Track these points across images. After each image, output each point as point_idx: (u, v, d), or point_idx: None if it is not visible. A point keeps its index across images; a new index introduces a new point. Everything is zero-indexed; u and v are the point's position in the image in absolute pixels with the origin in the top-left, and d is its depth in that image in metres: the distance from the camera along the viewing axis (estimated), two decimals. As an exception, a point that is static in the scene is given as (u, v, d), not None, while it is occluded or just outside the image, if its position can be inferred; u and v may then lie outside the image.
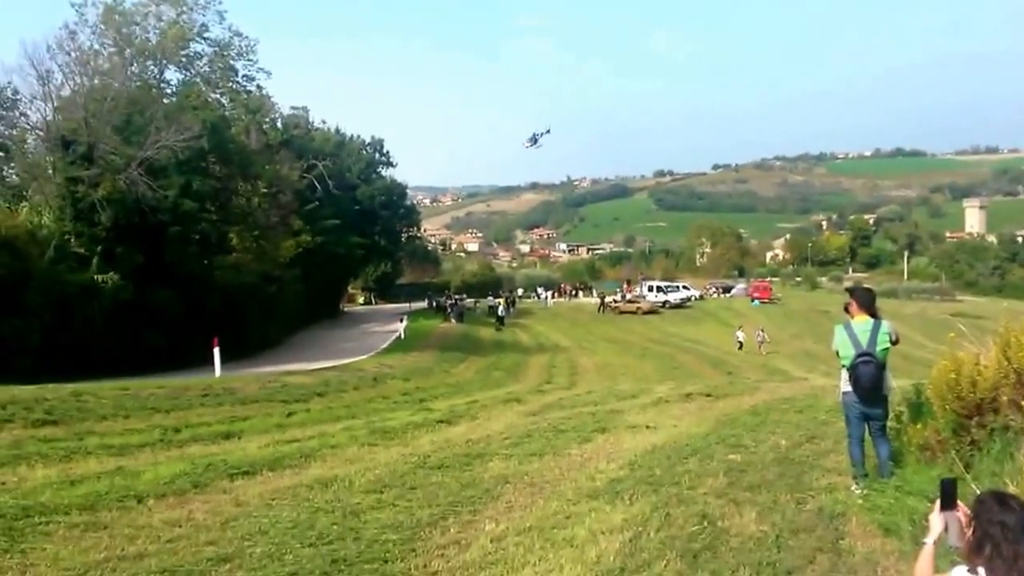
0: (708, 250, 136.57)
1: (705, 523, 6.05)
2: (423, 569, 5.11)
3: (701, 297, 76.26)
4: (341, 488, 7.40)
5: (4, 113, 31.44)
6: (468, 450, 9.58)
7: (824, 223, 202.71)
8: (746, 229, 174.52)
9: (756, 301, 70.79)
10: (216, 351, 23.08)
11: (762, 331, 45.48)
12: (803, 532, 5.82)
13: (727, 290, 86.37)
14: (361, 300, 73.08)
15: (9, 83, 30.64)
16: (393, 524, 6.12)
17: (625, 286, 77.68)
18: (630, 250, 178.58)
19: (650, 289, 71.39)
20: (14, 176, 31.73)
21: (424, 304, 62.81)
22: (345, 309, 64.36)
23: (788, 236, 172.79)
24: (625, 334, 51.89)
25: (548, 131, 41.37)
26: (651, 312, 63.13)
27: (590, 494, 7.13)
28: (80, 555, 5.21)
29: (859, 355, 6.66)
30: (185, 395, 15.77)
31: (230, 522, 6.19)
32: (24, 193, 29.97)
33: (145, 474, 7.86)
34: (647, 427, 11.47)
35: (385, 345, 36.97)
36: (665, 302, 67.31)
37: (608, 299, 67.98)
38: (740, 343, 45.31)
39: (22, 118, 31.50)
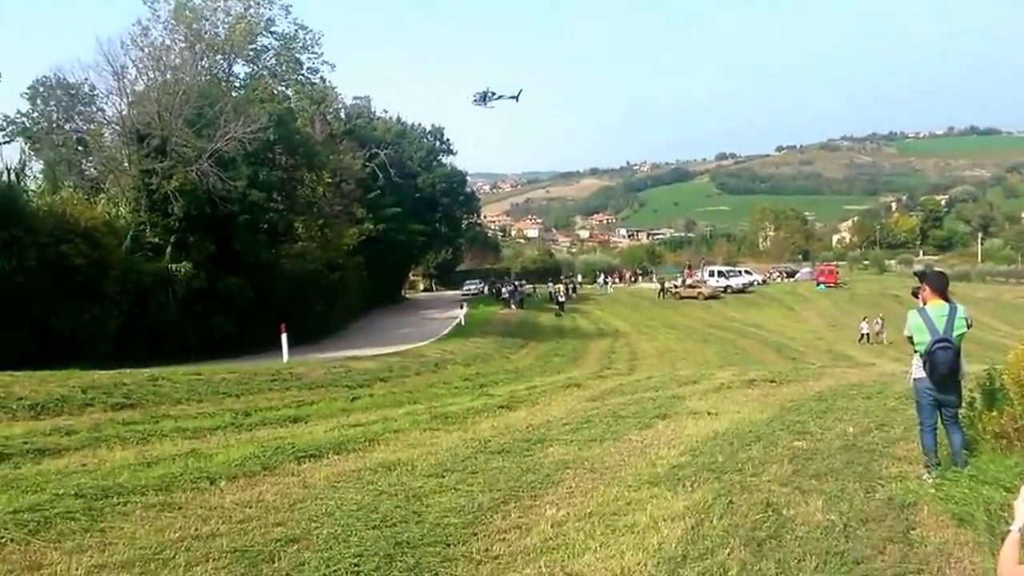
0: (771, 234, 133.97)
1: (769, 511, 5.99)
2: (484, 553, 5.17)
3: (764, 282, 74.84)
4: (404, 472, 7.52)
5: (82, 108, 32.62)
6: (528, 435, 9.63)
7: (893, 204, 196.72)
8: (811, 212, 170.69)
9: (821, 285, 69.14)
10: (283, 337, 23.59)
11: (880, 319, 42.02)
12: (872, 522, 5.72)
13: (791, 274, 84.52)
14: (422, 287, 73.73)
15: (86, 79, 31.80)
16: (455, 508, 6.20)
17: (686, 271, 76.70)
18: (691, 235, 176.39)
19: (711, 274, 70.36)
20: (92, 169, 32.82)
21: (479, 289, 63.39)
22: (406, 296, 65.05)
23: (855, 218, 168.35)
24: (686, 319, 51.32)
25: (516, 97, 40.11)
26: (712, 297, 62.21)
27: (651, 480, 7.11)
28: (155, 535, 5.41)
29: (936, 341, 6.50)
30: (254, 380, 16.17)
31: (297, 504, 6.34)
32: (102, 185, 31.02)
33: (217, 456, 8.11)
34: (709, 413, 11.37)
35: (446, 331, 37.26)
36: (727, 287, 66.25)
37: (668, 284, 67.27)
38: (864, 335, 41.69)
39: (99, 113, 32.69)
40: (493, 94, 38.79)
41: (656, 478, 7.20)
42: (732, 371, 20.88)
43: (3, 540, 5.11)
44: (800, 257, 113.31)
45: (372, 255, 46.99)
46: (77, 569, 4.64)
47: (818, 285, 69.69)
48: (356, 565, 4.77)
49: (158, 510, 6.06)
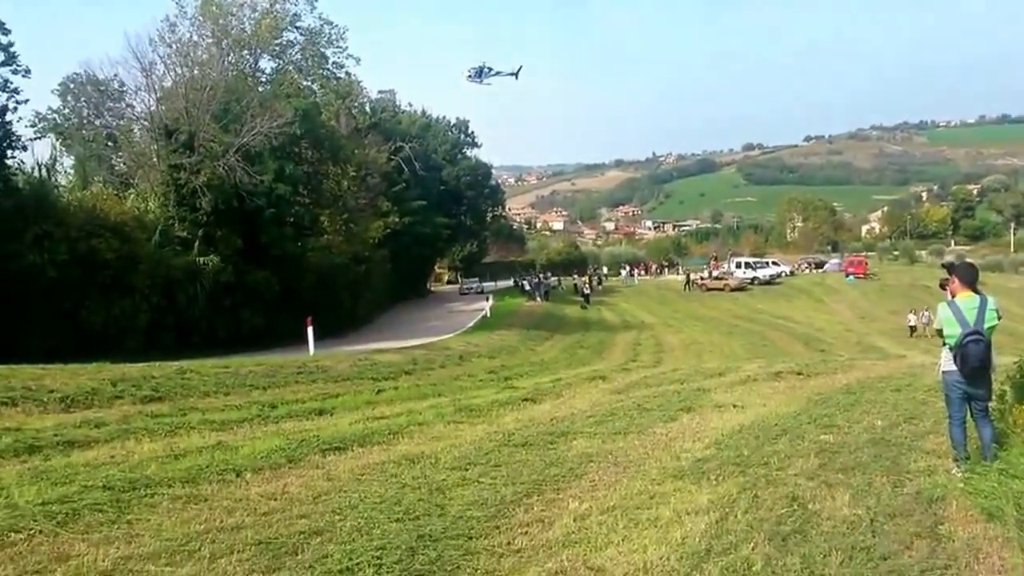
0: (799, 224, 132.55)
1: (795, 505, 5.93)
2: (507, 546, 5.16)
3: (792, 273, 74.12)
4: (427, 465, 7.53)
5: (112, 105, 33.00)
6: (552, 428, 9.61)
7: (924, 194, 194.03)
8: (840, 202, 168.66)
9: (851, 276, 68.32)
10: (310, 330, 23.76)
11: (927, 311, 39.31)
12: (900, 516, 5.64)
13: (820, 265, 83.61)
14: (446, 279, 73.96)
15: (115, 75, 32.18)
16: (478, 501, 6.19)
17: (712, 262, 76.20)
18: (717, 226, 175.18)
19: (738, 265, 69.82)
20: (122, 164, 33.24)
21: (511, 283, 63.20)
22: (432, 288, 65.25)
23: (885, 209, 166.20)
24: (712, 311, 51.03)
25: (515, 74, 38.95)
26: (739, 289, 61.79)
27: (675, 474, 7.07)
28: (182, 526, 5.45)
29: (967, 333, 6.39)
30: (281, 372, 16.28)
31: (322, 496, 6.36)
32: (131, 180, 31.43)
33: (243, 449, 8.16)
34: (734, 406, 11.29)
35: (471, 324, 37.33)
36: (754, 278, 65.73)
37: (694, 276, 66.89)
38: (912, 327, 40.10)
39: (128, 109, 33.09)
40: (490, 70, 37.82)
41: (680, 471, 7.15)
42: (759, 363, 20.73)
43: (32, 531, 5.18)
44: (829, 248, 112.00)
45: (397, 248, 47.19)
46: (104, 560, 4.69)
47: (847, 276, 68.89)
48: (378, 558, 4.78)
49: (184, 502, 6.10)
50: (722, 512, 5.82)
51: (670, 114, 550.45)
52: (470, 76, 37.77)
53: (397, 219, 47.38)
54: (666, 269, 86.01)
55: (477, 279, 64.14)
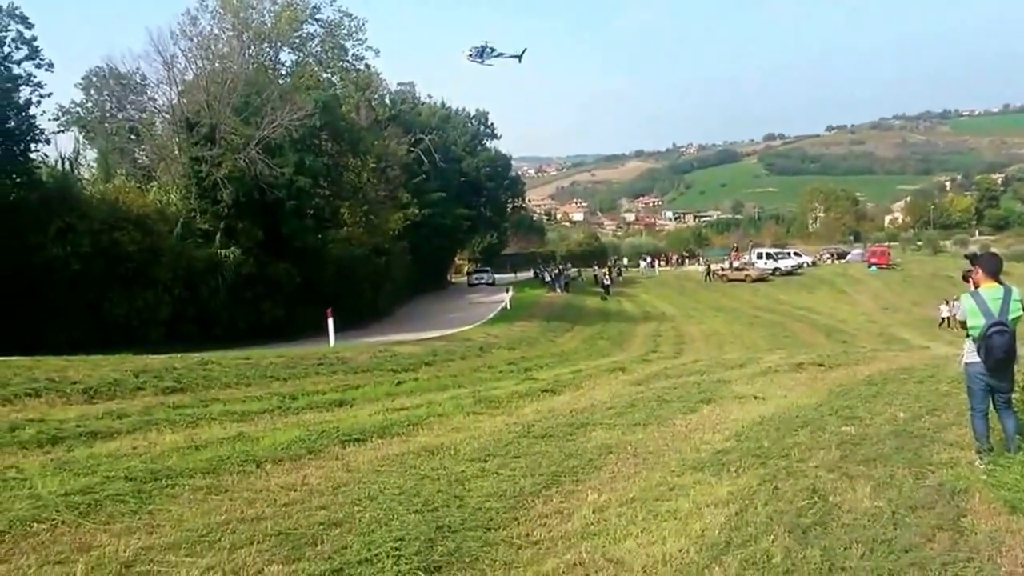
0: (821, 215, 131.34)
1: (815, 498, 5.87)
2: (525, 538, 5.15)
3: (814, 264, 73.59)
4: (447, 456, 7.53)
5: (134, 98, 33.28)
6: (572, 420, 9.59)
7: (948, 184, 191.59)
8: (863, 192, 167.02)
9: (873, 267, 67.71)
10: (330, 322, 23.84)
11: (956, 300, 39.19)
12: (921, 509, 5.58)
13: (842, 256, 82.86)
14: (467, 271, 74.11)
15: (138, 69, 32.47)
16: (496, 492, 6.18)
17: (733, 253, 75.76)
18: (739, 216, 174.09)
19: (759, 256, 69.37)
20: (144, 157, 33.50)
21: (530, 274, 63.09)
22: (452, 280, 65.35)
23: (908, 198, 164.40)
24: (733, 302, 50.75)
25: (519, 57, 37.54)
26: (760, 280, 61.43)
27: (695, 466, 7.03)
28: (202, 517, 5.48)
29: (991, 324, 6.31)
30: (301, 364, 16.35)
31: (341, 487, 6.38)
32: (153, 173, 31.68)
33: (264, 440, 8.20)
34: (755, 397, 11.23)
35: (491, 315, 37.34)
36: (775, 269, 65.28)
37: (715, 267, 66.56)
38: (944, 318, 38.36)
39: (150, 102, 33.36)
40: (492, 50, 36.51)
41: (700, 463, 7.11)
42: (780, 355, 20.59)
43: (54, 522, 5.23)
44: (851, 238, 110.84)
45: (417, 240, 47.28)
46: (125, 551, 4.72)
47: (870, 267, 68.28)
48: (397, 549, 4.78)
49: (205, 493, 6.14)
50: (742, 504, 5.77)
51: (691, 104, 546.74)
52: (471, 56, 36.51)
53: (417, 211, 47.44)
54: (687, 260, 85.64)
55: (488, 270, 62.62)
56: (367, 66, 46.38)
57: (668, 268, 78.14)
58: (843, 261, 79.37)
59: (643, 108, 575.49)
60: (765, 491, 6.10)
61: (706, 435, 8.49)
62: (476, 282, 58.17)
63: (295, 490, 6.32)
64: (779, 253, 71.75)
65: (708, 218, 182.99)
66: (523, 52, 38.05)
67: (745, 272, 63.25)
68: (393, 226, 43.49)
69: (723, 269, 65.75)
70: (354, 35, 44.02)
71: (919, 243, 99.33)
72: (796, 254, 73.18)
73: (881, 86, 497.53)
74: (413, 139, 49.92)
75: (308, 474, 6.85)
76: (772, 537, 5.03)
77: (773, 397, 11.30)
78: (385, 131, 47.20)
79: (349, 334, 26.74)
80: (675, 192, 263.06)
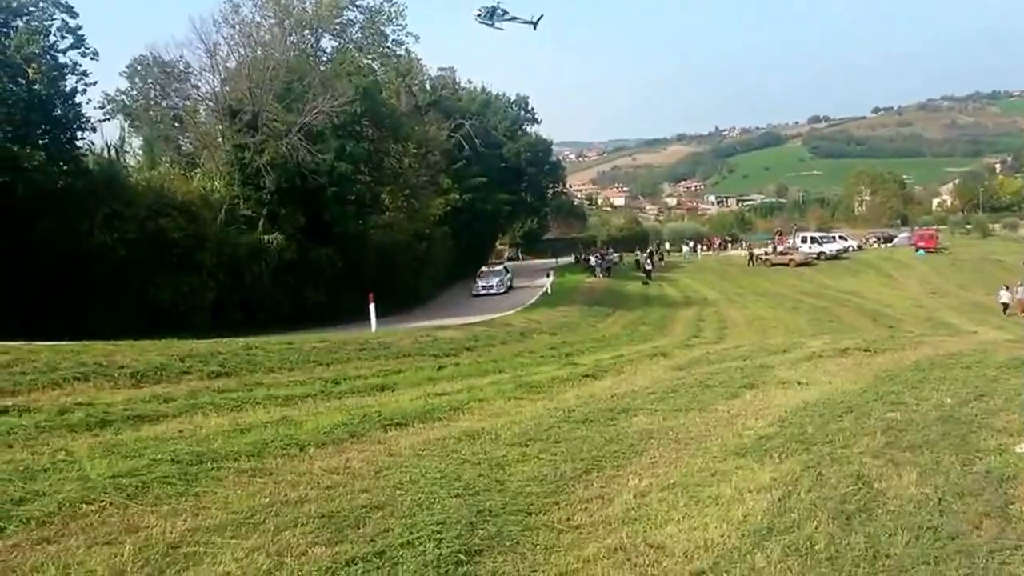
0: (867, 198, 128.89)
1: (860, 484, 5.76)
2: (566, 522, 5.13)
3: (860, 248, 72.29)
4: (488, 441, 7.52)
5: (178, 86, 33.74)
6: (613, 405, 9.52)
7: (997, 166, 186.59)
8: (910, 175, 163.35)
9: (921, 251, 66.30)
10: (372, 307, 23.99)
11: (1021, 286, 37.16)
12: (968, 496, 5.43)
13: (888, 240, 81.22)
14: (507, 256, 74.07)
15: (181, 57, 32.87)
16: (537, 477, 6.16)
17: (777, 237, 74.71)
18: (782, 200, 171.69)
19: (804, 240, 68.37)
20: (188, 144, 34.01)
21: (571, 259, 62.74)
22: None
23: (957, 181, 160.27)
24: (777, 287, 50.10)
25: (534, 24, 35.61)
26: (805, 264, 60.59)
27: (737, 451, 6.94)
28: (247, 499, 5.53)
29: None
30: (343, 349, 16.47)
31: (383, 471, 6.40)
32: (197, 160, 32.14)
33: (307, 424, 8.25)
34: (799, 383, 11.04)
35: (532, 300, 37.30)
36: (820, 253, 64.35)
37: (758, 251, 65.73)
38: (1005, 304, 37.40)
39: (194, 90, 33.77)
40: (504, 12, 34.96)
41: (742, 449, 7.01)
42: (824, 340, 20.25)
43: (103, 503, 5.31)
44: (898, 222, 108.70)
45: (458, 225, 47.37)
46: (172, 532, 4.78)
47: (917, 251, 66.88)
48: (438, 532, 4.79)
49: (250, 475, 6.19)
50: (785, 490, 5.68)
51: (734, 87, 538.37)
52: (479, 16, 34.76)
53: (458, 196, 47.53)
54: (729, 244, 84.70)
55: (503, 268, 47.06)
56: (407, 52, 46.52)
57: (710, 253, 77.42)
58: (890, 245, 77.86)
59: (685, 92, 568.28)
60: (809, 477, 6.00)
61: (749, 421, 8.37)
62: (483, 292, 40.55)
63: (338, 473, 6.34)
64: (824, 237, 70.67)
65: (751, 202, 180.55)
66: (539, 19, 36.48)
67: (789, 256, 62.43)
68: (434, 212, 43.64)
69: (767, 253, 64.95)
70: (394, 21, 44.11)
71: (968, 226, 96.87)
72: (841, 238, 72.02)
73: (928, 66, 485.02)
74: (453, 124, 49.94)
75: (350, 458, 6.88)
76: (815, 523, 4.95)
77: (817, 383, 11.11)
78: (426, 117, 47.31)
79: (390, 319, 26.92)
80: (718, 176, 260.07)
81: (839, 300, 43.21)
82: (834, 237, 71.64)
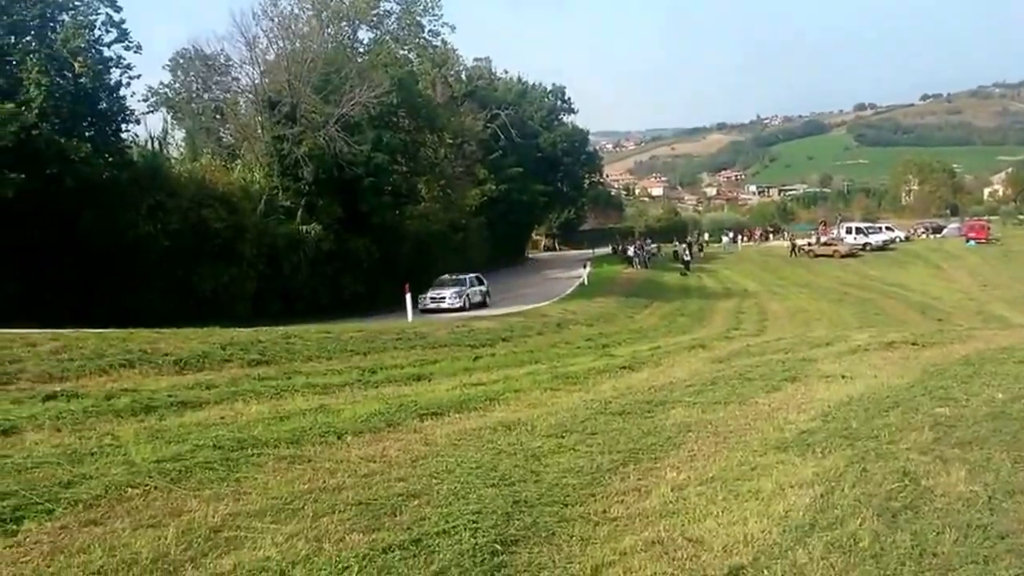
0: (915, 188, 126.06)
1: (906, 480, 5.61)
2: (602, 514, 5.09)
3: (907, 238, 70.90)
4: (524, 431, 7.51)
5: (219, 78, 34.14)
6: (650, 397, 9.45)
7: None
8: (960, 163, 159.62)
9: (971, 242, 64.82)
10: (408, 297, 24.13)
11: None
12: (1020, 494, 5.25)
13: (937, 230, 79.42)
14: (543, 246, 73.88)
15: (222, 50, 33.21)
16: (573, 468, 6.13)
17: (821, 228, 73.65)
18: (826, 190, 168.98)
19: (848, 231, 67.26)
20: (228, 136, 34.41)
21: (608, 250, 62.44)
22: (529, 255, 65.33)
23: (1009, 170, 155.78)
24: (820, 278, 49.41)
25: None
26: (849, 255, 59.61)
27: (778, 445, 6.83)
28: (286, 486, 5.60)
29: None
30: (380, 338, 16.62)
31: (419, 460, 6.43)
32: (237, 152, 32.52)
33: (345, 412, 8.34)
34: (843, 377, 10.85)
35: (568, 291, 37.25)
36: (865, 244, 63.21)
37: (801, 242, 64.87)
38: None
39: (234, 82, 34.18)
40: None
41: (784, 443, 6.90)
42: (870, 333, 19.93)
43: (148, 487, 5.42)
44: (947, 212, 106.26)
45: (494, 216, 47.39)
46: (214, 516, 4.85)
47: (967, 242, 65.43)
48: (474, 522, 4.78)
49: (289, 462, 6.27)
50: (828, 486, 5.57)
51: (776, 74, 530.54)
52: None
53: (494, 187, 47.56)
54: (771, 235, 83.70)
55: (475, 277, 33.25)
56: (443, 42, 46.58)
57: (751, 243, 76.59)
58: (939, 236, 76.22)
59: (725, 79, 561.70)
60: (853, 473, 5.87)
61: (790, 415, 8.24)
62: (431, 305, 29.16)
63: (374, 462, 6.39)
64: (870, 227, 69.42)
65: (794, 192, 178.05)
66: None
67: (833, 247, 61.50)
68: (470, 202, 43.71)
69: (810, 244, 64.10)
70: (430, 11, 44.22)
71: (1021, 216, 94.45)
72: (888, 228, 70.72)
73: (979, 52, 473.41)
74: (489, 115, 49.91)
75: (387, 446, 6.93)
76: (860, 520, 4.84)
77: (862, 376, 10.91)
78: (461, 107, 47.34)
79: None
80: (759, 165, 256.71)
81: (885, 292, 42.51)
82: (880, 228, 70.34)
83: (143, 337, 13.29)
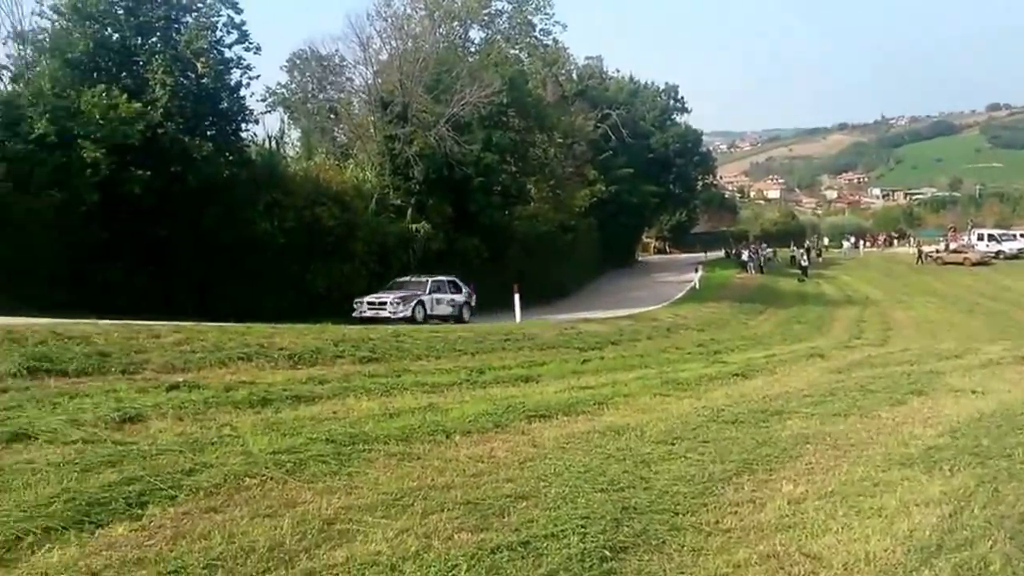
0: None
1: (1042, 503, 5.27)
2: (715, 525, 4.95)
3: (1045, 246, 66.62)
4: (633, 437, 7.41)
5: (333, 79, 35.15)
6: (765, 406, 9.20)
7: None
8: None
9: (1119, 251, 60.35)
10: (516, 298, 24.18)
11: None
12: None
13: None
14: (653, 248, 72.95)
15: (336, 51, 34.18)
16: (684, 476, 6.00)
17: (950, 234, 70.00)
18: (956, 194, 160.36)
19: (980, 238, 63.73)
20: (342, 136, 35.39)
21: (721, 253, 61.17)
22: (639, 258, 64.64)
23: None
24: (949, 287, 46.93)
25: None
26: (981, 263, 56.48)
27: (902, 461, 6.51)
28: (396, 482, 5.68)
29: None
30: (488, 339, 16.74)
31: (527, 462, 6.42)
32: (350, 151, 33.41)
33: (453, 411, 8.42)
34: (973, 392, 10.29)
35: (679, 295, 36.67)
36: (999, 252, 59.85)
37: (928, 248, 61.86)
38: None
39: (348, 82, 35.11)
40: None
41: (908, 459, 6.58)
42: (1003, 346, 18.80)
43: (264, 478, 5.59)
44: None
45: (604, 217, 47.06)
46: (327, 508, 4.96)
47: (1115, 250, 60.84)
48: (583, 527, 4.73)
49: (399, 459, 6.37)
50: (956, 505, 5.27)
51: (902, 72, 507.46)
52: None
53: (604, 187, 47.18)
54: (895, 241, 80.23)
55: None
56: (555, 41, 46.61)
57: (874, 249, 73.73)
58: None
59: (848, 77, 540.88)
60: (984, 493, 5.55)
61: (916, 429, 7.85)
62: (368, 313, 23.62)
63: (483, 462, 6.42)
64: (1003, 235, 65.67)
65: (921, 196, 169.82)
66: None
67: (963, 255, 58.41)
68: (579, 203, 43.50)
69: (938, 251, 61.13)
70: (541, 10, 44.33)
71: None
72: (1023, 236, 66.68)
73: None
74: (600, 114, 49.64)
75: (495, 447, 6.96)
76: (990, 542, 4.56)
77: (994, 392, 10.31)
78: (572, 107, 47.24)
79: (533, 311, 27.10)
80: (883, 168, 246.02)
81: (1020, 303, 39.98)
82: (1015, 235, 66.33)
83: (260, 332, 13.79)
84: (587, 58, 57.68)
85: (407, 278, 26.01)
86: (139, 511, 4.80)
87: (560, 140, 41.28)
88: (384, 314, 23.00)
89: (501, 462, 6.43)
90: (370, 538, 4.46)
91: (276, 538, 4.41)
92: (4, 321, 11.78)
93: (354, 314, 23.28)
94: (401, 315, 23.09)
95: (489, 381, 11.49)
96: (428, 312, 24.24)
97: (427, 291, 24.93)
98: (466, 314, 25.98)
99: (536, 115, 37.10)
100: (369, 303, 23.83)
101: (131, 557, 4.09)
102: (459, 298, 26.34)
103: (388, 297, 23.92)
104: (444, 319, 24.66)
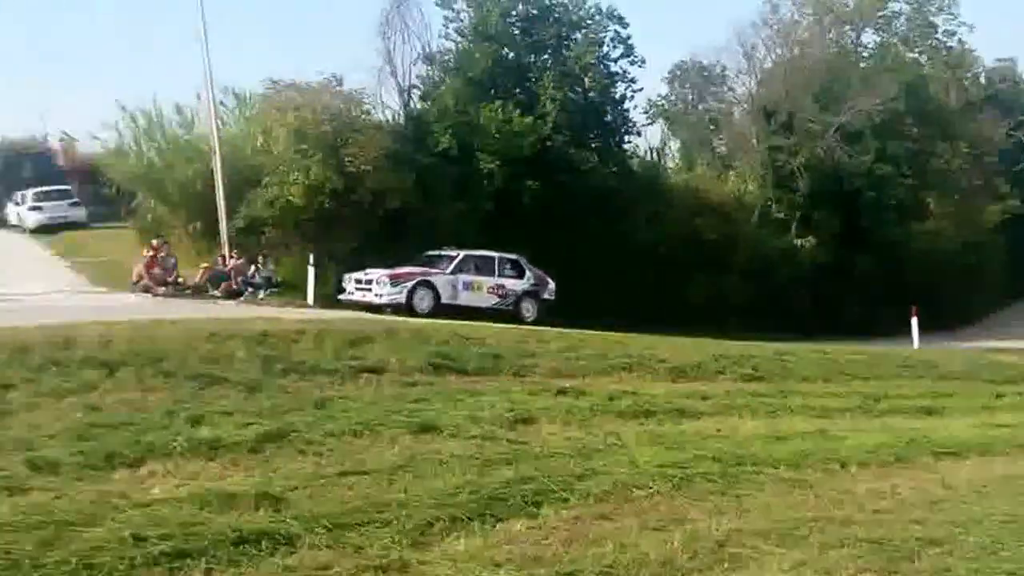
0: None
1: None
2: None
3: None
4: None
5: (714, 89, 35.08)
6: None
7: None
8: None
9: None
10: (914, 321, 22.17)
11: None
12: None
13: None
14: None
15: (718, 61, 34.01)
16: None
17: None
18: None
19: None
20: (722, 147, 35.07)
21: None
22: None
23: None
24: None
25: None
26: None
27: None
28: (789, 510, 5.44)
29: None
30: (882, 364, 15.47)
31: (938, 504, 5.89)
32: (731, 162, 33.00)
33: (847, 440, 7.94)
34: None
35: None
36: None
37: None
38: None
39: (729, 92, 34.73)
40: None
41: None
42: None
43: (652, 491, 5.66)
44: None
45: (1017, 236, 41.08)
46: (717, 529, 4.88)
47: None
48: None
49: (789, 485, 6.15)
50: None
51: None
52: None
53: (1018, 202, 41.24)
54: None
55: (499, 259, 19.74)
56: (959, 42, 41.86)
57: None
58: None
59: None
60: None
61: None
62: (357, 295, 18.22)
63: (884, 498, 5.98)
64: None
65: None
66: None
67: None
68: (989, 220, 38.50)
69: None
70: (945, 10, 40.03)
71: None
72: None
73: None
74: (1014, 122, 43.55)
75: (898, 484, 6.44)
76: None
77: None
78: (979, 113, 42.12)
79: (932, 337, 24.43)
80: None
81: None
82: None
83: (640, 343, 14.07)
84: (997, 60, 50.99)
85: (438, 252, 19.27)
86: (534, 510, 5.09)
87: (965, 150, 36.98)
88: (369, 298, 17.54)
89: (906, 501, 5.95)
90: (764, 566, 4.31)
91: (666, 553, 4.42)
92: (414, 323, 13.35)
93: (340, 296, 18.32)
94: (389, 300, 17.33)
95: (885, 410, 10.70)
96: (444, 299, 17.86)
97: (450, 270, 18.50)
98: (529, 311, 19.26)
99: (938, 122, 33.83)
100: (357, 281, 18.20)
101: (530, 554, 4.32)
102: (514, 286, 19.46)
103: (376, 274, 17.80)
104: (481, 311, 18.05)
